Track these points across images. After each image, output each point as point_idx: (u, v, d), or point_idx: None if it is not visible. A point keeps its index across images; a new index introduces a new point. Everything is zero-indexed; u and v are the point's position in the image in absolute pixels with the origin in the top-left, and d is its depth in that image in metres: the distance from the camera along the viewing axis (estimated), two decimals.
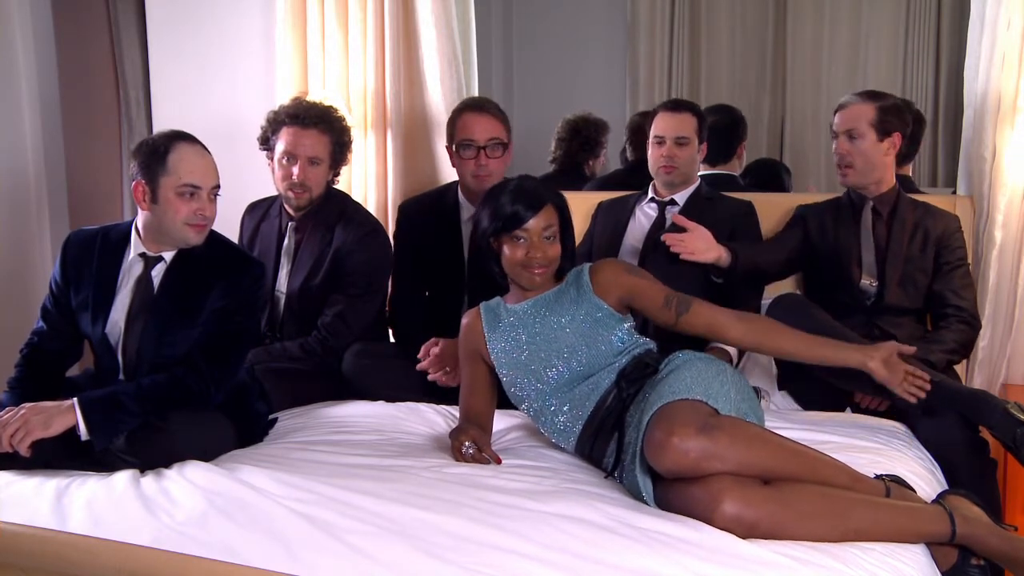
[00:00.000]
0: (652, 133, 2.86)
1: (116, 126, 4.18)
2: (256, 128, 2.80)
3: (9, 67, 3.57)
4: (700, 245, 2.59)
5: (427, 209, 2.88)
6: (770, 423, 2.03)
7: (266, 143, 2.76)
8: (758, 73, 5.33)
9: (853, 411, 2.47)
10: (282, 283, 2.77)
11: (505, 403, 2.18)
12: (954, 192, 3.12)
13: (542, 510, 1.69)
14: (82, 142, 4.11)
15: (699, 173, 3.01)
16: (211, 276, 2.19)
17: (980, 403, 2.22)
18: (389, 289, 2.87)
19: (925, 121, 3.68)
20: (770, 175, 4.02)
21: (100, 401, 2.02)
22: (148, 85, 3.71)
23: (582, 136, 4.05)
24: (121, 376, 2.20)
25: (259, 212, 2.90)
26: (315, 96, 3.09)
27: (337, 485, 1.80)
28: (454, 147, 2.76)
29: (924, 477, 2.05)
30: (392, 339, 2.93)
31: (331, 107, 2.79)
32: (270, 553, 1.55)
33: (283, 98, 3.07)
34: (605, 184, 3.67)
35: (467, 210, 2.79)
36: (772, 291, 2.78)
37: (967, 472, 2.22)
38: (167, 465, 1.97)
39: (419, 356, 2.55)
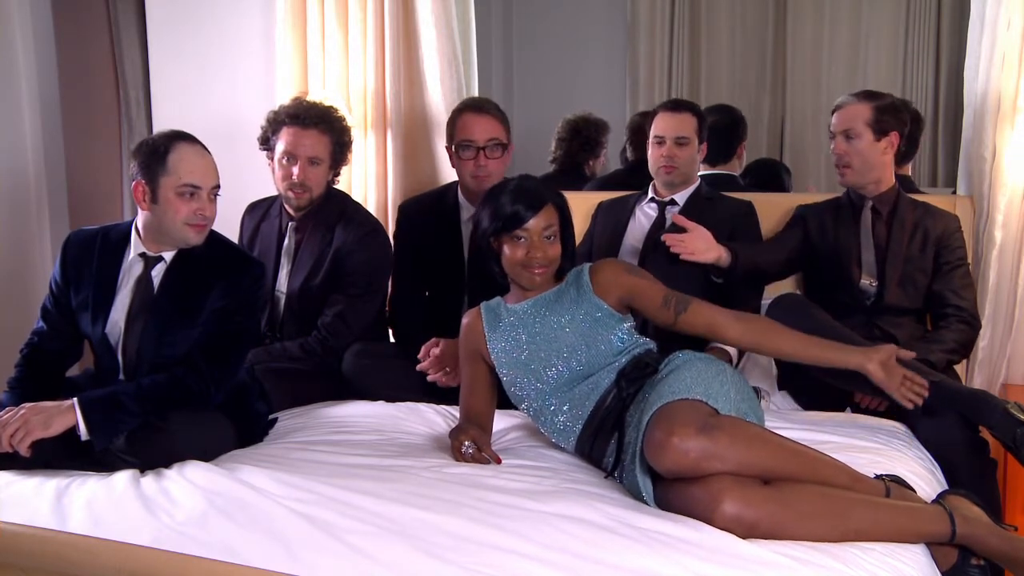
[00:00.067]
0: (652, 133, 2.86)
1: (116, 126, 4.18)
2: (256, 128, 2.80)
3: (9, 67, 3.57)
4: (700, 245, 2.59)
5: (427, 209, 2.88)
6: (770, 423, 2.03)
7: (266, 143, 2.76)
8: (758, 73, 5.33)
9: (853, 411, 2.47)
10: (282, 283, 2.77)
11: (505, 403, 2.18)
12: (954, 192, 3.12)
13: (542, 510, 1.69)
14: (82, 142, 4.11)
15: (699, 173, 3.01)
16: (211, 276, 2.19)
17: (980, 403, 2.22)
18: (389, 289, 2.87)
19: (923, 120, 3.68)
20: (770, 175, 4.03)
21: (100, 401, 2.02)
22: (148, 85, 3.71)
23: (582, 136, 4.05)
24: (121, 376, 2.20)
25: (259, 212, 2.90)
26: (315, 96, 3.09)
27: (337, 485, 1.80)
28: (454, 147, 2.76)
29: (924, 477, 2.05)
30: (392, 339, 2.93)
31: (331, 107, 2.79)
32: (270, 553, 1.55)
33: (283, 98, 3.07)
34: (605, 184, 3.67)
35: (467, 210, 2.79)
36: (772, 291, 2.78)
37: (967, 472, 2.22)
38: (167, 465, 1.97)
39: (419, 356, 2.55)
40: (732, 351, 2.62)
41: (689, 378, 1.84)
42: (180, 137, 2.16)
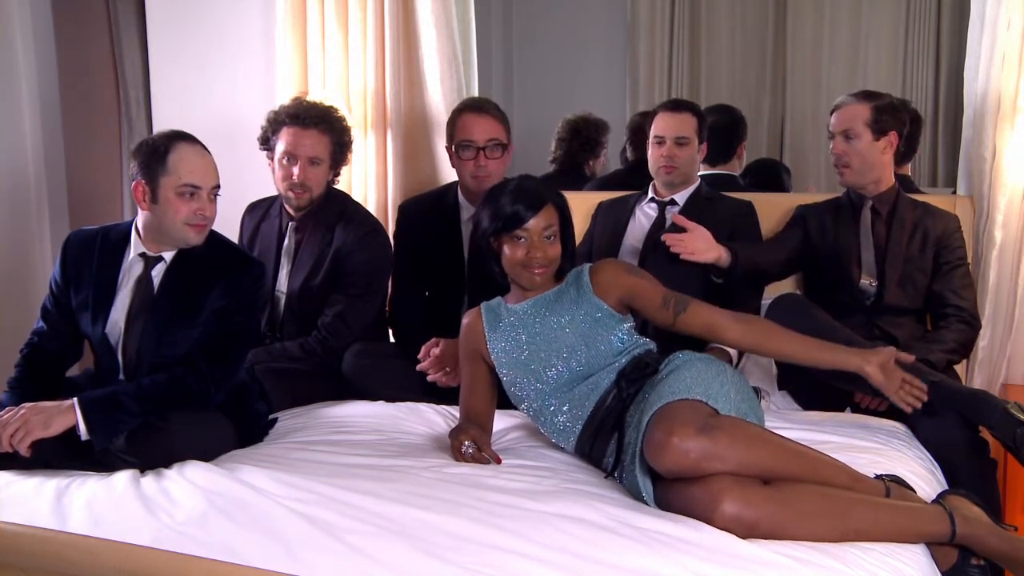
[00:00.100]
0: (652, 133, 2.86)
1: (116, 126, 4.18)
2: (256, 128, 2.80)
3: (9, 67, 3.57)
4: (700, 245, 2.59)
5: (427, 209, 2.88)
6: (770, 423, 2.03)
7: (266, 143, 2.76)
8: (758, 73, 5.33)
9: (853, 411, 2.47)
10: (282, 283, 2.77)
11: (505, 403, 2.18)
12: (954, 192, 3.12)
13: (542, 510, 1.69)
14: (82, 142, 4.11)
15: (699, 173, 3.01)
16: (211, 276, 2.19)
17: (980, 403, 2.22)
18: (389, 289, 2.87)
19: (922, 120, 3.68)
20: (770, 175, 4.03)
21: (100, 401, 2.02)
22: (148, 85, 3.71)
23: (582, 136, 4.05)
24: (121, 376, 2.20)
25: (259, 212, 2.90)
26: (315, 96, 3.09)
27: (337, 485, 1.80)
28: (453, 147, 2.76)
29: (924, 477, 2.05)
30: (392, 339, 2.93)
31: (331, 107, 2.79)
32: (270, 553, 1.55)
33: (283, 98, 3.07)
34: (605, 184, 3.67)
35: (467, 210, 2.79)
36: (772, 291, 2.78)
37: (967, 472, 2.22)
38: (167, 465, 1.97)
39: (419, 356, 2.55)
40: (732, 351, 2.62)
41: (689, 378, 1.84)
42: (180, 137, 2.16)
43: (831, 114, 2.68)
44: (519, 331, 2.11)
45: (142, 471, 1.95)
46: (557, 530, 1.61)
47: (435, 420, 2.41)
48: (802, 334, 2.11)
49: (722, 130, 3.41)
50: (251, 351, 2.44)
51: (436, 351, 2.53)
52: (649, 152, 2.88)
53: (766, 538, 1.62)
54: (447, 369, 2.52)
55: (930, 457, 2.22)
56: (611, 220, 2.95)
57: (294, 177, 2.67)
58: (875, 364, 2.06)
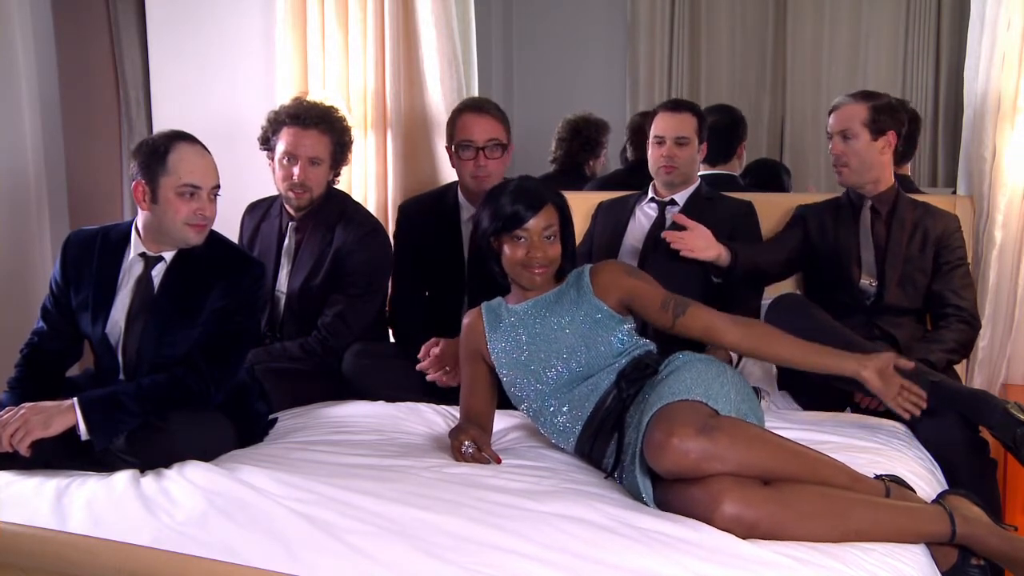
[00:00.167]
0: (652, 133, 2.86)
1: (116, 126, 4.18)
2: (256, 128, 2.79)
3: (9, 67, 3.57)
4: (700, 243, 2.59)
5: (427, 209, 2.88)
6: (770, 423, 2.03)
7: (266, 143, 2.76)
8: (758, 73, 5.33)
9: (853, 411, 2.47)
10: (282, 283, 2.77)
11: (505, 403, 2.18)
12: (954, 192, 3.13)
13: (542, 510, 1.69)
14: (82, 142, 4.11)
15: (699, 173, 3.01)
16: (211, 276, 2.19)
17: (980, 403, 2.22)
18: (389, 289, 2.87)
19: (921, 120, 3.68)
20: (770, 175, 4.02)
21: (100, 401, 2.02)
22: (148, 85, 3.71)
23: (582, 136, 4.05)
24: (121, 376, 2.20)
25: (259, 212, 2.90)
26: (315, 96, 3.09)
27: (337, 485, 1.80)
28: (453, 147, 2.76)
29: (924, 477, 2.05)
30: (392, 339, 2.93)
31: (332, 107, 2.79)
32: (270, 553, 1.55)
33: (283, 98, 3.07)
34: (605, 184, 3.67)
35: (467, 210, 2.79)
36: (772, 291, 2.78)
37: (967, 472, 2.22)
38: (167, 465, 1.97)
39: (419, 356, 2.55)
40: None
41: (689, 379, 1.84)
42: (180, 137, 2.16)
43: (829, 114, 2.69)
44: (519, 331, 2.11)
45: (142, 471, 1.95)
46: (557, 530, 1.61)
47: (435, 420, 2.41)
48: (801, 337, 2.10)
49: (722, 130, 3.41)
50: (251, 351, 2.44)
51: (436, 351, 2.53)
52: (649, 152, 2.88)
53: (766, 538, 1.62)
54: (447, 369, 2.52)
55: (930, 457, 2.22)
56: (611, 220, 2.95)
57: (294, 177, 2.67)
58: (872, 369, 2.05)
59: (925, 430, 2.29)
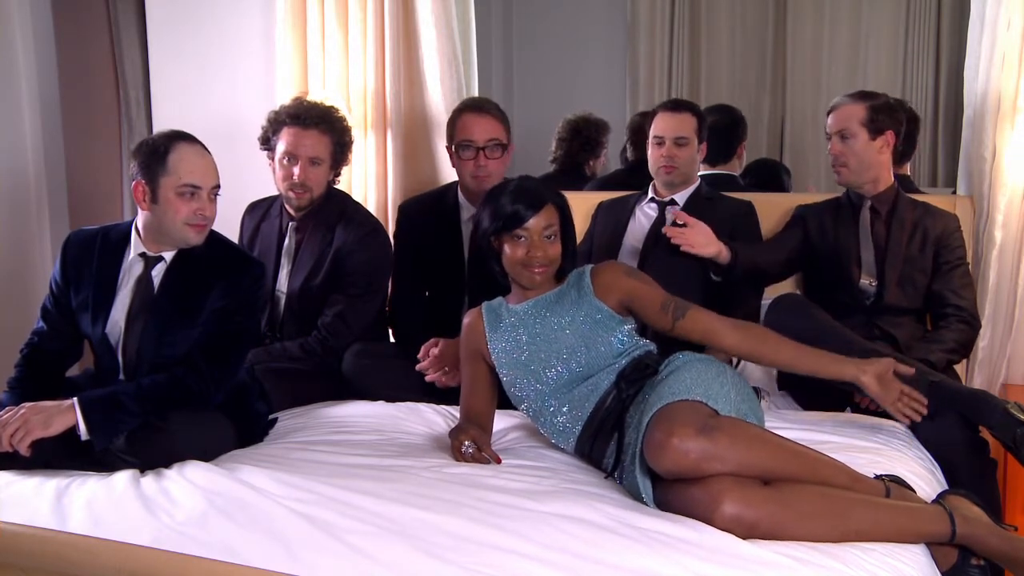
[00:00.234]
0: (652, 133, 2.86)
1: (116, 126, 4.18)
2: (256, 128, 2.79)
3: (9, 67, 3.57)
4: (700, 239, 2.59)
5: (427, 209, 2.88)
6: (770, 423, 2.03)
7: (267, 143, 2.76)
8: (758, 73, 5.33)
9: (853, 411, 2.47)
10: (282, 283, 2.77)
11: (505, 403, 2.18)
12: (954, 192, 3.13)
13: (542, 510, 1.69)
14: (82, 142, 4.11)
15: (699, 173, 3.01)
16: (211, 276, 2.19)
17: (980, 403, 2.22)
18: (389, 289, 2.87)
19: (920, 119, 3.69)
20: (770, 175, 4.03)
21: (100, 401, 2.02)
22: (148, 85, 3.71)
23: (583, 136, 4.05)
24: (121, 376, 2.20)
25: (259, 212, 2.90)
26: (315, 96, 3.09)
27: (337, 485, 1.80)
28: (454, 147, 2.76)
29: (924, 477, 2.05)
30: (392, 339, 2.93)
31: (332, 107, 2.79)
32: (270, 553, 1.55)
33: (283, 98, 3.07)
34: (605, 184, 3.67)
35: (467, 210, 2.79)
36: (772, 291, 2.78)
37: (967, 472, 2.22)
38: (167, 465, 1.97)
39: (419, 356, 2.55)
40: None
41: (689, 379, 1.84)
42: (180, 137, 2.16)
43: (828, 115, 2.69)
44: (520, 331, 2.11)
45: (142, 471, 1.95)
46: (557, 530, 1.61)
47: (435, 420, 2.41)
48: (801, 337, 2.10)
49: (722, 130, 3.41)
50: (251, 351, 2.44)
51: (435, 351, 2.53)
52: (649, 152, 2.88)
53: (766, 538, 1.62)
54: (446, 369, 2.52)
55: (930, 457, 2.22)
56: (611, 220, 2.95)
57: (295, 177, 2.67)
58: (871, 374, 2.05)
59: (925, 430, 2.29)
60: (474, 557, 1.52)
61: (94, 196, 4.14)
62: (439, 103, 3.21)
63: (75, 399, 2.00)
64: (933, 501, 1.88)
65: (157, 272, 2.20)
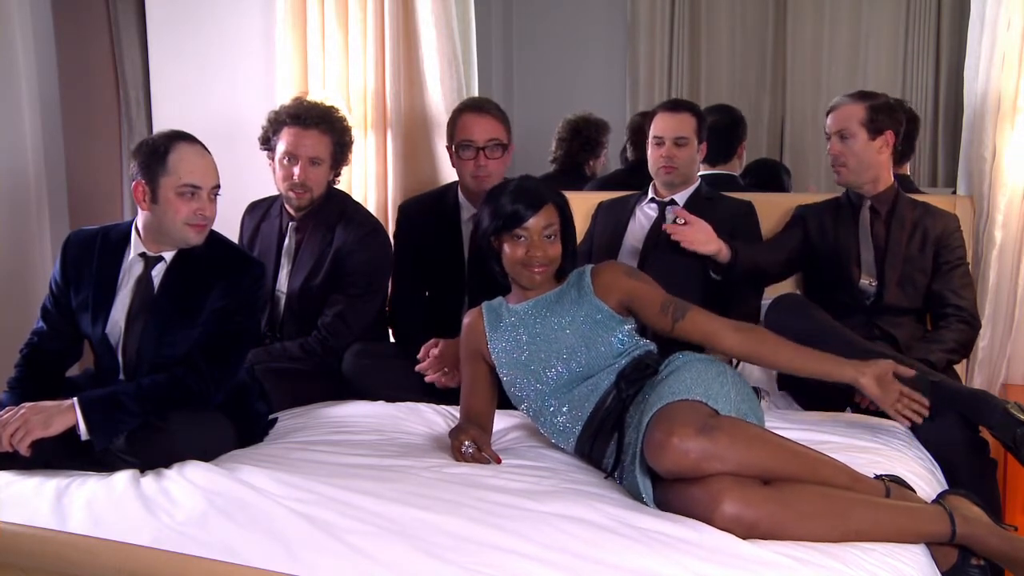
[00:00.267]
0: (651, 133, 2.86)
1: (116, 126, 4.18)
2: (256, 128, 2.79)
3: (9, 67, 3.57)
4: (700, 237, 2.60)
5: (427, 209, 2.88)
6: (770, 423, 2.03)
7: (267, 143, 2.76)
8: (758, 73, 5.33)
9: (853, 411, 2.46)
10: (282, 283, 2.77)
11: (505, 403, 2.18)
12: (954, 192, 3.13)
13: (542, 510, 1.69)
14: (82, 142, 4.11)
15: (699, 173, 3.01)
16: (211, 276, 2.19)
17: (980, 403, 2.22)
18: (389, 289, 2.87)
19: (919, 119, 3.69)
20: (770, 175, 4.03)
21: (100, 401, 2.02)
22: (148, 85, 3.71)
23: (583, 136, 4.05)
24: (121, 376, 2.20)
25: (259, 212, 2.90)
26: (315, 96, 3.09)
27: (337, 485, 1.80)
28: (454, 147, 2.76)
29: (924, 477, 2.05)
30: (392, 339, 2.92)
31: (332, 107, 2.79)
32: (270, 553, 1.55)
33: (283, 98, 3.07)
34: (605, 184, 3.67)
35: (467, 210, 2.79)
36: (772, 291, 2.78)
37: (967, 472, 2.22)
38: (167, 465, 1.97)
39: (419, 357, 2.55)
40: None
41: (689, 379, 1.84)
42: (180, 137, 2.16)
43: (827, 115, 2.69)
44: (520, 331, 2.11)
45: (142, 471, 1.95)
46: (557, 530, 1.61)
47: (435, 420, 2.41)
48: (801, 337, 2.10)
49: (722, 130, 3.41)
50: (251, 351, 2.44)
51: (435, 352, 2.53)
52: (648, 152, 2.88)
53: (766, 538, 1.62)
54: (445, 370, 2.52)
55: (930, 457, 2.22)
56: (611, 220, 2.95)
57: (295, 177, 2.67)
58: (870, 376, 2.04)
59: (925, 430, 2.29)
60: (474, 557, 1.52)
61: (94, 196, 4.14)
62: (439, 103, 3.21)
63: (75, 399, 2.00)
64: (933, 501, 1.88)
65: (157, 272, 2.20)
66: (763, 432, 1.78)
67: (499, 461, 2.01)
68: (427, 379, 2.53)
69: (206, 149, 2.19)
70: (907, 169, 3.50)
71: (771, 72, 5.30)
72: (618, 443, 1.92)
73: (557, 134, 4.11)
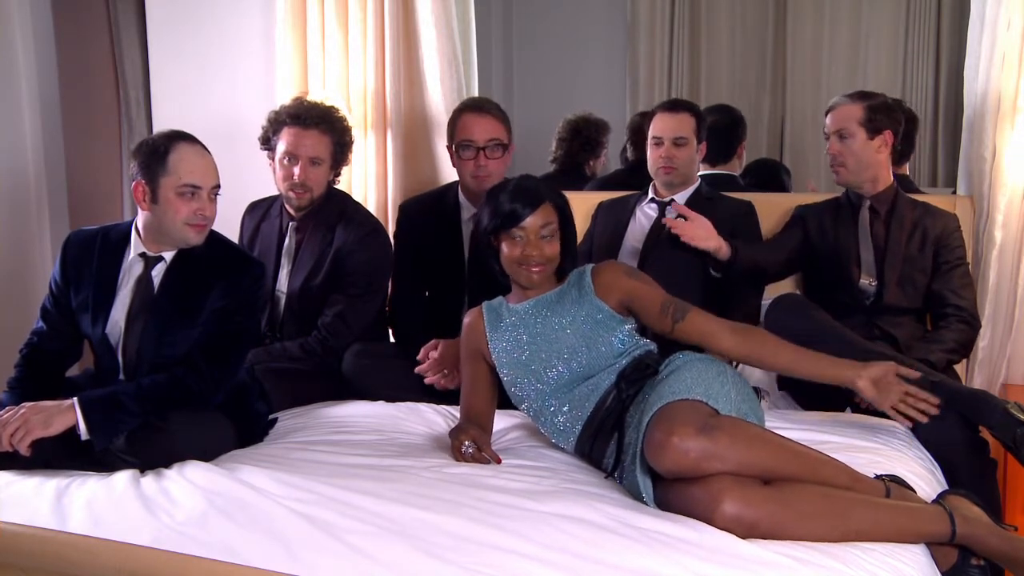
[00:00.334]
0: (650, 134, 2.86)
1: (116, 126, 4.18)
2: (256, 128, 2.80)
3: (9, 67, 3.57)
4: (700, 233, 2.61)
5: (427, 209, 2.88)
6: (770, 423, 2.03)
7: (267, 143, 2.77)
8: (758, 73, 5.33)
9: (853, 411, 2.46)
10: (282, 283, 2.77)
11: (505, 403, 2.18)
12: (954, 192, 3.13)
13: (542, 510, 1.69)
14: (82, 142, 4.11)
15: (699, 173, 3.01)
16: (211, 276, 2.19)
17: (980, 403, 2.22)
18: (389, 289, 2.87)
19: (918, 120, 3.69)
20: (770, 175, 4.02)
21: (100, 401, 2.02)
22: (148, 85, 3.71)
23: (583, 136, 4.06)
24: (121, 376, 2.20)
25: (259, 212, 2.90)
26: (315, 96, 3.09)
27: (337, 485, 1.80)
28: (454, 147, 2.76)
29: (924, 477, 2.05)
30: (392, 339, 2.92)
31: (332, 107, 2.79)
32: (270, 553, 1.55)
33: (283, 98, 3.07)
34: (605, 184, 3.67)
35: (467, 210, 2.79)
36: (772, 291, 2.78)
37: (967, 472, 2.22)
38: (167, 465, 1.97)
39: (418, 359, 2.55)
40: None
41: (689, 379, 1.84)
42: (180, 137, 2.16)
43: (826, 115, 2.69)
44: (520, 331, 2.11)
45: (142, 471, 1.95)
46: (557, 530, 1.61)
47: (435, 420, 2.41)
48: (801, 337, 2.10)
49: (722, 130, 3.41)
50: (251, 351, 2.44)
51: (435, 354, 2.53)
52: (648, 153, 2.88)
53: (766, 538, 1.62)
54: (445, 372, 2.51)
55: (930, 457, 2.22)
56: (611, 220, 2.95)
57: (295, 177, 2.67)
58: (867, 378, 2.03)
59: (925, 430, 2.28)
60: (474, 557, 1.52)
61: (94, 196, 4.14)
62: (439, 103, 3.21)
63: (75, 399, 2.00)
64: (933, 501, 1.88)
65: (157, 272, 2.20)
66: (763, 432, 1.78)
67: (499, 461, 2.01)
68: (427, 381, 2.53)
69: (206, 149, 2.19)
70: (907, 169, 3.50)
71: (771, 72, 5.30)
72: (618, 443, 1.92)
73: (557, 134, 4.11)
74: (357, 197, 3.15)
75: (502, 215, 2.06)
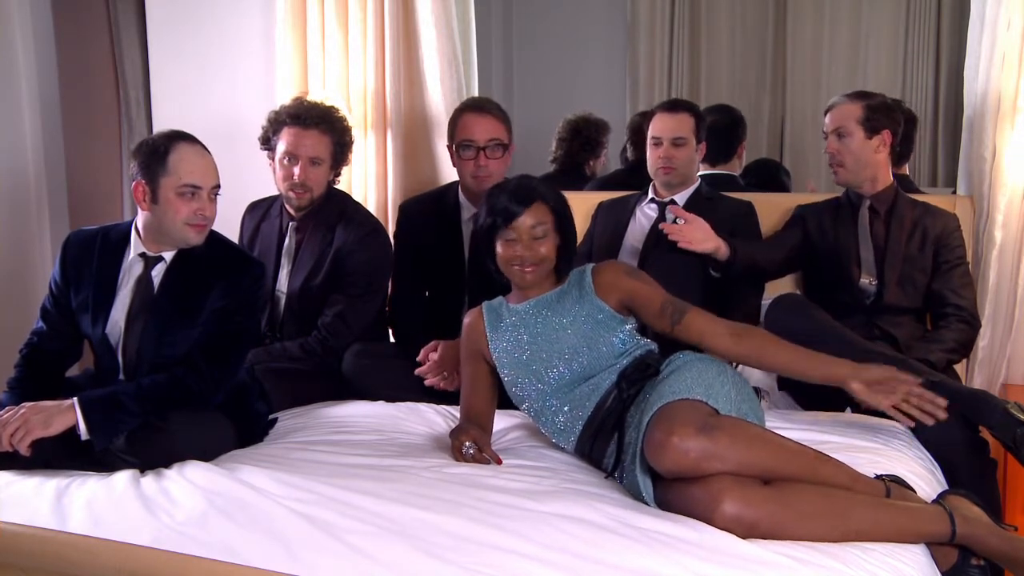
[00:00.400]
0: (650, 134, 2.86)
1: (116, 126, 4.18)
2: (256, 128, 2.80)
3: (9, 67, 3.57)
4: (698, 235, 2.60)
5: (427, 209, 2.88)
6: (770, 423, 2.03)
7: (267, 143, 2.77)
8: (758, 73, 5.33)
9: (853, 411, 2.46)
10: (282, 283, 2.77)
11: (505, 403, 2.18)
12: (954, 192, 3.13)
13: (542, 510, 1.69)
14: (82, 142, 4.11)
15: (699, 173, 3.01)
16: (211, 276, 2.19)
17: (980, 403, 2.22)
18: (389, 289, 2.87)
19: (917, 120, 3.69)
20: (770, 175, 4.02)
21: (100, 401, 2.02)
22: (148, 85, 3.71)
23: (583, 136, 4.06)
24: (121, 376, 2.20)
25: (259, 212, 2.90)
26: (315, 96, 3.09)
27: (337, 485, 1.80)
28: (454, 147, 2.76)
29: (924, 477, 2.05)
30: (392, 339, 2.92)
31: (332, 107, 2.79)
32: (270, 553, 1.55)
33: (283, 98, 3.07)
34: (605, 184, 3.67)
35: (467, 210, 2.79)
36: (772, 291, 2.78)
37: (967, 472, 2.22)
38: (167, 465, 1.97)
39: (418, 360, 2.54)
40: None
41: (690, 378, 1.84)
42: (180, 137, 2.16)
43: (825, 114, 2.70)
44: (520, 331, 2.11)
45: (142, 471, 1.95)
46: (557, 530, 1.61)
47: (435, 420, 2.41)
48: (801, 337, 2.10)
49: (722, 130, 3.41)
50: (251, 351, 2.44)
51: (435, 355, 2.53)
52: (647, 153, 2.88)
53: (766, 538, 1.62)
54: (444, 373, 2.51)
55: (930, 457, 2.22)
56: (611, 220, 2.95)
57: (295, 177, 2.67)
58: (861, 381, 2.00)
59: (925, 430, 2.28)
60: (474, 557, 1.52)
61: (94, 196, 4.14)
62: (439, 103, 3.21)
63: (75, 399, 2.00)
64: (933, 501, 1.88)
65: (157, 272, 2.20)
66: (763, 432, 1.78)
67: (499, 462, 2.01)
68: (427, 383, 2.53)
69: (206, 149, 2.19)
70: (907, 169, 3.50)
71: (771, 72, 5.30)
72: (618, 443, 1.92)
73: (557, 134, 4.11)
74: (357, 197, 3.15)
75: (496, 214, 2.06)
